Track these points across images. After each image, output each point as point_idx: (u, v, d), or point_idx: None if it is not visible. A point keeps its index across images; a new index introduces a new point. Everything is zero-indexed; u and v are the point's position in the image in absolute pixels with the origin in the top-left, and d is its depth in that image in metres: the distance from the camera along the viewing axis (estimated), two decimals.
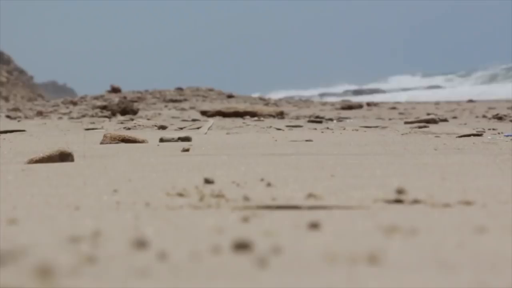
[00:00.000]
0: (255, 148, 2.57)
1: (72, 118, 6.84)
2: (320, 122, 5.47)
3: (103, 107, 7.43)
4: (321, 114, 6.97)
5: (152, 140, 3.09)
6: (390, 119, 6.35)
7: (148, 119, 6.16)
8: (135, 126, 4.91)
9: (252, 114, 6.65)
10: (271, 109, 6.88)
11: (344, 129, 4.00)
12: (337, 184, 1.52)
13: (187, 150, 2.50)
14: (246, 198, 1.35)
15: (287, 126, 4.90)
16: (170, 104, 10.30)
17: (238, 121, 5.93)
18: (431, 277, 0.77)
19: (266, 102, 11.09)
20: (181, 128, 4.75)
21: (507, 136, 3.24)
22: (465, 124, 5.10)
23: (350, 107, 9.03)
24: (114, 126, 4.92)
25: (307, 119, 6.10)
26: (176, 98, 11.31)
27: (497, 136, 3.21)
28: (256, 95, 14.52)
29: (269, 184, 1.52)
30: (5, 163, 2.18)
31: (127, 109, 6.91)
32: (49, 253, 0.89)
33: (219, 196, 1.38)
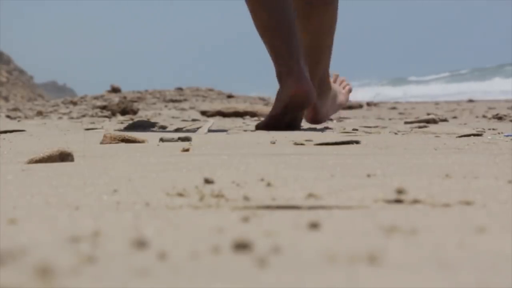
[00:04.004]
0: (255, 148, 2.57)
1: (72, 118, 6.83)
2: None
3: (103, 107, 7.43)
4: None
5: (152, 140, 3.09)
6: (390, 119, 6.35)
7: (148, 119, 6.16)
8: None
9: (252, 114, 6.65)
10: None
11: (344, 129, 4.00)
12: (337, 184, 1.52)
13: (187, 150, 2.50)
14: (246, 198, 1.35)
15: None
16: (170, 104, 10.30)
17: (238, 121, 5.93)
18: (431, 277, 0.77)
19: (266, 102, 11.09)
20: (181, 128, 4.75)
21: (507, 136, 3.24)
22: (465, 124, 5.10)
23: (350, 107, 9.03)
24: (114, 126, 4.92)
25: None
26: (176, 98, 11.30)
27: (497, 136, 3.21)
28: (255, 95, 14.51)
29: (269, 184, 1.52)
30: (5, 163, 2.18)
31: (127, 109, 6.90)
32: (49, 253, 0.89)
33: (219, 196, 1.38)
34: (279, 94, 3.53)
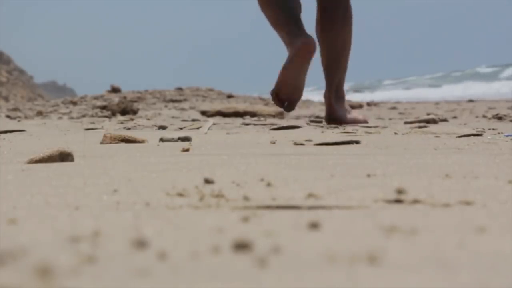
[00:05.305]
0: (255, 148, 2.57)
1: (72, 118, 6.83)
2: (320, 122, 5.47)
3: (103, 107, 7.43)
4: (321, 114, 6.97)
5: (152, 140, 3.09)
6: (390, 119, 6.35)
7: (148, 119, 6.16)
8: (135, 126, 4.91)
9: (252, 114, 6.65)
10: (271, 109, 6.87)
11: (344, 129, 4.00)
12: (337, 184, 1.52)
13: (187, 150, 2.50)
14: (246, 198, 1.35)
15: (287, 125, 4.89)
16: (170, 104, 10.29)
17: (238, 121, 5.93)
18: (431, 277, 0.77)
19: (266, 102, 11.08)
20: (181, 128, 4.75)
21: (507, 136, 3.24)
22: (465, 124, 5.10)
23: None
24: (114, 126, 4.92)
25: (307, 119, 6.10)
26: (176, 98, 11.30)
27: (497, 136, 3.21)
28: (255, 95, 14.51)
29: (269, 184, 1.52)
30: (5, 163, 2.18)
31: (127, 109, 6.90)
32: (49, 253, 0.89)
33: (219, 196, 1.38)
34: (288, 56, 4.35)
